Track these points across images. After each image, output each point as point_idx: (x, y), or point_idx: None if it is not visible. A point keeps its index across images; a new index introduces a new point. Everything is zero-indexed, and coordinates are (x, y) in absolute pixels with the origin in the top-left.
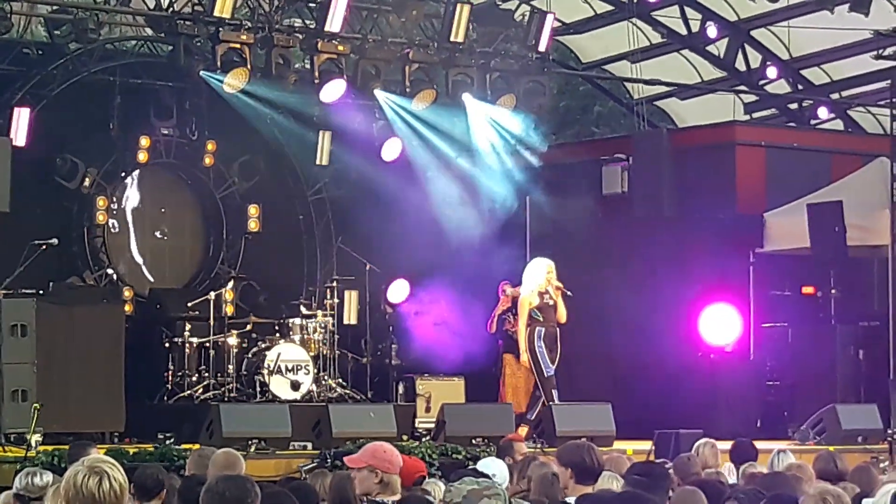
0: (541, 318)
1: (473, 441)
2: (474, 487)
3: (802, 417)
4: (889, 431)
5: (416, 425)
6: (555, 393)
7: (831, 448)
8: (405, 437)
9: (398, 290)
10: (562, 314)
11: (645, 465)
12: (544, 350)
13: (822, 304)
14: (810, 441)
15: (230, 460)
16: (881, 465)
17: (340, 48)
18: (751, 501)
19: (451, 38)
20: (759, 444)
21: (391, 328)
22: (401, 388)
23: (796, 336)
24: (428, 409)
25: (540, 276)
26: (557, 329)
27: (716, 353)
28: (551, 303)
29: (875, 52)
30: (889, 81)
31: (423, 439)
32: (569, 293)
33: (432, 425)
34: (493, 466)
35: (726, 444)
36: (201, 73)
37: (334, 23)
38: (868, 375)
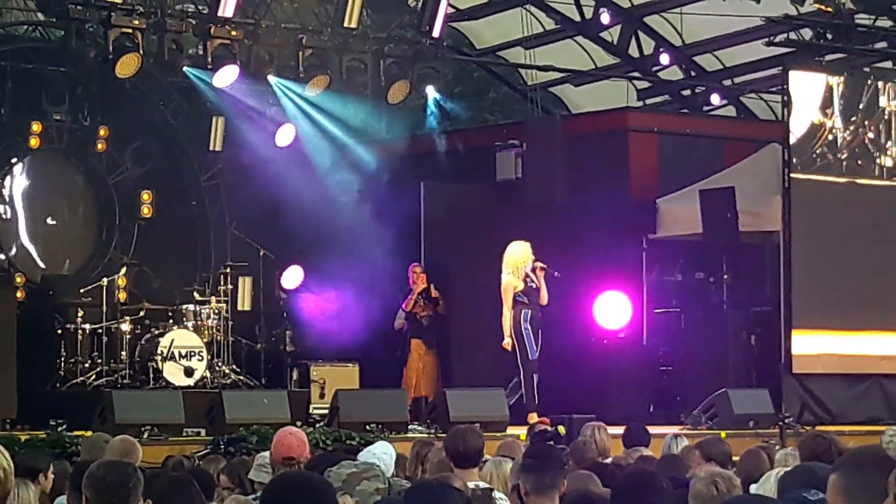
0: (526, 301)
1: (367, 427)
2: (353, 471)
3: (695, 402)
4: (780, 416)
5: (311, 411)
6: (535, 377)
7: (723, 433)
8: (299, 423)
9: (292, 277)
10: (544, 296)
11: (537, 446)
12: (531, 332)
13: (715, 290)
14: (702, 426)
15: (127, 447)
16: (771, 449)
17: (233, 33)
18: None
19: (345, 24)
20: (652, 429)
21: (285, 314)
22: (295, 375)
23: (689, 321)
24: (322, 396)
25: (523, 258)
26: (540, 312)
27: (609, 339)
28: (534, 286)
29: (766, 39)
30: (780, 68)
31: (317, 425)
32: (556, 274)
33: (326, 411)
34: (384, 450)
35: (619, 429)
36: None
37: (227, 8)
38: (760, 360)
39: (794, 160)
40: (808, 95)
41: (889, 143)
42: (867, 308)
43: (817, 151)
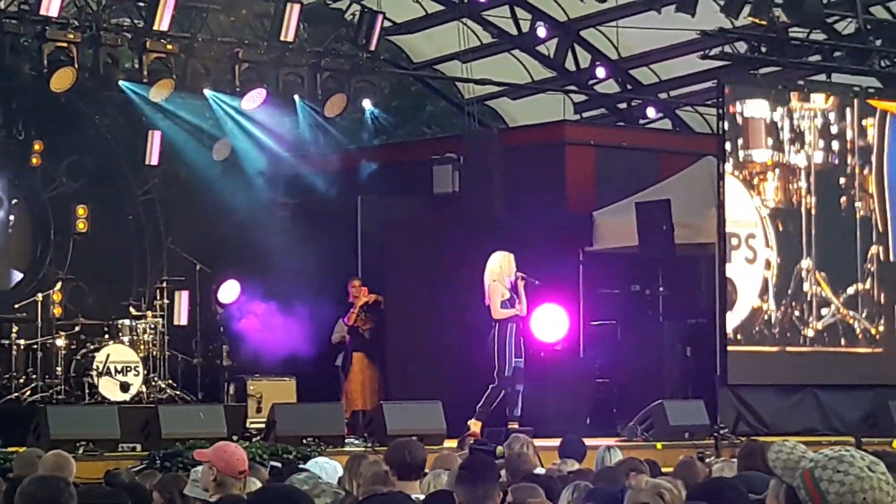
0: (512, 311)
1: (304, 441)
2: (305, 488)
3: (631, 414)
4: (715, 427)
5: (247, 426)
6: (504, 392)
7: (659, 444)
8: (235, 438)
9: (229, 291)
10: (524, 307)
11: (472, 458)
12: (513, 347)
13: (651, 302)
14: (638, 437)
15: (59, 462)
16: (707, 459)
17: (169, 47)
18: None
19: (282, 38)
20: (589, 441)
21: (222, 329)
22: (231, 389)
23: (625, 334)
24: (259, 410)
25: (508, 268)
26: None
27: (546, 351)
28: (515, 296)
29: (702, 53)
30: (715, 81)
31: (254, 439)
32: (535, 282)
33: (263, 425)
34: (325, 465)
35: (556, 441)
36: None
37: (163, 22)
38: (695, 372)
39: (739, 336)
40: (750, 285)
41: (811, 319)
42: None
43: (756, 329)
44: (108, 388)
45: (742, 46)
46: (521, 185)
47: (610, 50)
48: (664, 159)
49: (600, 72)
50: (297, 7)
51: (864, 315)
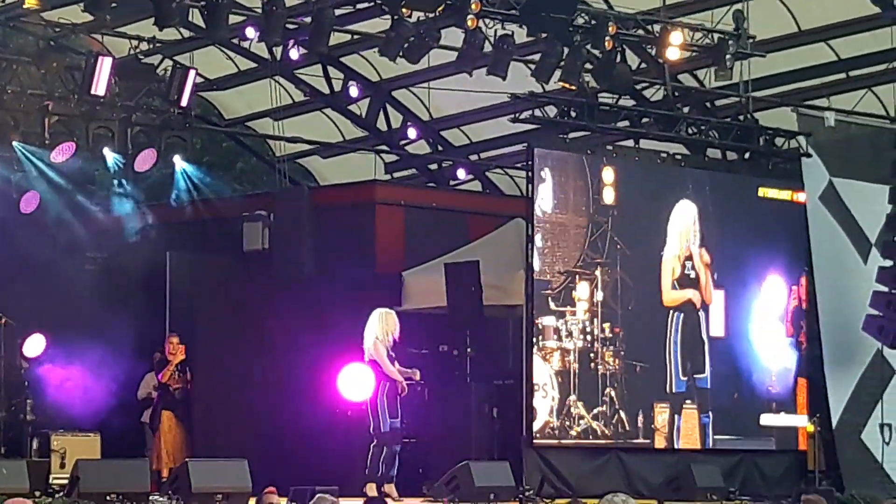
0: (388, 371)
1: (108, 497)
2: None
3: (438, 474)
4: (520, 489)
5: (51, 481)
6: (386, 449)
7: None
8: (38, 494)
9: (34, 345)
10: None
11: None
12: (385, 404)
13: (459, 363)
14: (444, 498)
15: None
16: None
17: None
18: None
19: (92, 91)
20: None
21: (26, 383)
22: (35, 444)
23: (433, 393)
24: (63, 465)
25: (391, 326)
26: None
27: (353, 411)
28: (394, 354)
29: (512, 116)
30: (525, 144)
31: (57, 495)
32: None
33: (67, 481)
34: None
35: (361, 501)
36: None
37: None
38: (502, 433)
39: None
40: None
41: None
42: None
43: None
44: None
45: (552, 110)
46: (332, 244)
47: (421, 111)
48: (474, 220)
49: (411, 132)
50: (108, 61)
51: None
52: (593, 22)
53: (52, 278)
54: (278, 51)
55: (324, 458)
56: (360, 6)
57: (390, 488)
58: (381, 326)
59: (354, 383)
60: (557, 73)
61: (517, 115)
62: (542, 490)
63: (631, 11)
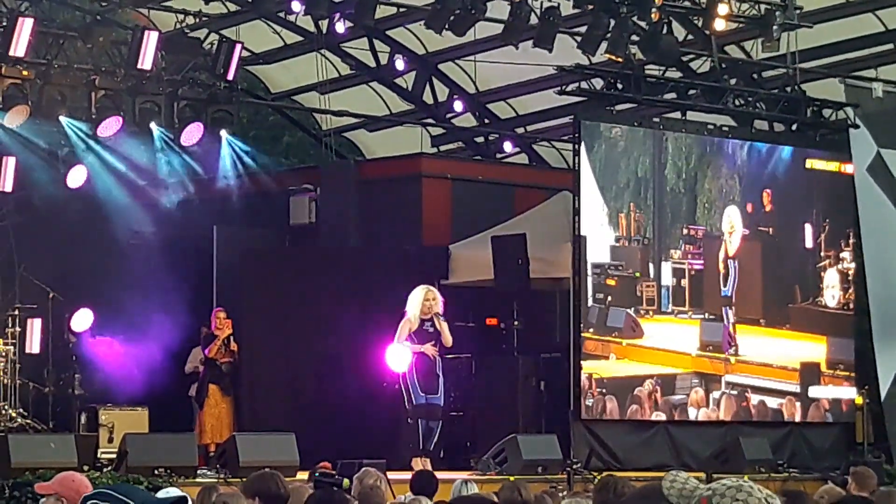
0: (417, 346)
1: (156, 471)
2: None
3: (485, 448)
4: (568, 462)
5: (99, 455)
6: (423, 423)
7: (511, 478)
8: (86, 468)
9: (82, 319)
10: (448, 338)
11: (321, 493)
12: (416, 379)
13: (506, 336)
14: (491, 471)
15: None
16: (560, 494)
17: (25, 73)
18: None
19: (139, 66)
20: (442, 475)
21: (74, 357)
22: (83, 419)
23: (480, 367)
24: (111, 440)
25: (423, 305)
26: (437, 356)
27: (387, 383)
28: (431, 330)
29: (559, 88)
30: (571, 117)
31: (105, 469)
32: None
33: (115, 455)
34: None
35: (408, 474)
36: None
37: (19, 47)
38: (549, 406)
39: None
40: None
41: None
42: None
43: None
44: None
45: (599, 83)
46: (378, 218)
47: (468, 84)
48: (520, 193)
49: (458, 105)
50: (154, 35)
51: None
52: None
53: (99, 253)
54: (324, 24)
55: (369, 431)
56: None
57: (424, 461)
58: (413, 304)
59: (401, 356)
60: (604, 46)
61: (563, 87)
62: (589, 463)
63: None
